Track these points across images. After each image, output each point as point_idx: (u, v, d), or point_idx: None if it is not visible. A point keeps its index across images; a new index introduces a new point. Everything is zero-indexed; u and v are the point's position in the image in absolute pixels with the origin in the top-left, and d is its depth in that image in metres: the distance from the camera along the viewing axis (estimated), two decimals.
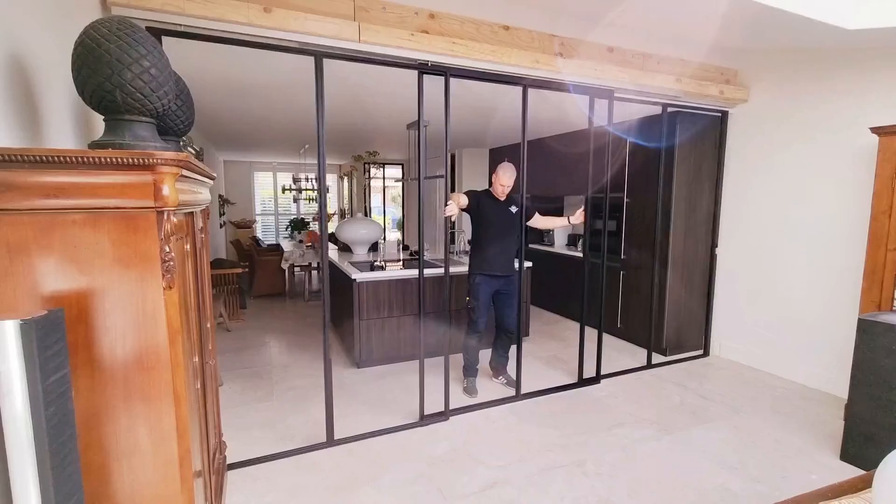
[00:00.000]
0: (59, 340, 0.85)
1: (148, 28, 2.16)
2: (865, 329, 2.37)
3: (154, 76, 1.11)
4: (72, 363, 0.96)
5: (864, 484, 1.13)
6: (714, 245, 4.05)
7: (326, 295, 2.60)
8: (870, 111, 3.02)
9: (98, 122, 1.57)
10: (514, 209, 3.30)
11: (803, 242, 3.48)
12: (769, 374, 3.72)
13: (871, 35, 2.61)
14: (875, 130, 2.70)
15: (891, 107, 2.92)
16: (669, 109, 3.72)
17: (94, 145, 1.10)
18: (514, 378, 3.31)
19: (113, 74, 1.05)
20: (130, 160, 0.96)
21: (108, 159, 0.95)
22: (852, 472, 2.37)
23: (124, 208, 0.99)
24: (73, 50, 1.07)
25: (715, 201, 4.03)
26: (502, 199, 3.27)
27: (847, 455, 2.48)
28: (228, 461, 2.39)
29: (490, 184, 3.28)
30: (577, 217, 3.37)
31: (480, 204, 3.25)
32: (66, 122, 1.52)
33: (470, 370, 3.39)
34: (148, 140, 1.16)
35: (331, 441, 2.66)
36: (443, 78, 2.68)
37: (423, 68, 2.62)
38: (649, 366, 3.87)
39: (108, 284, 1.00)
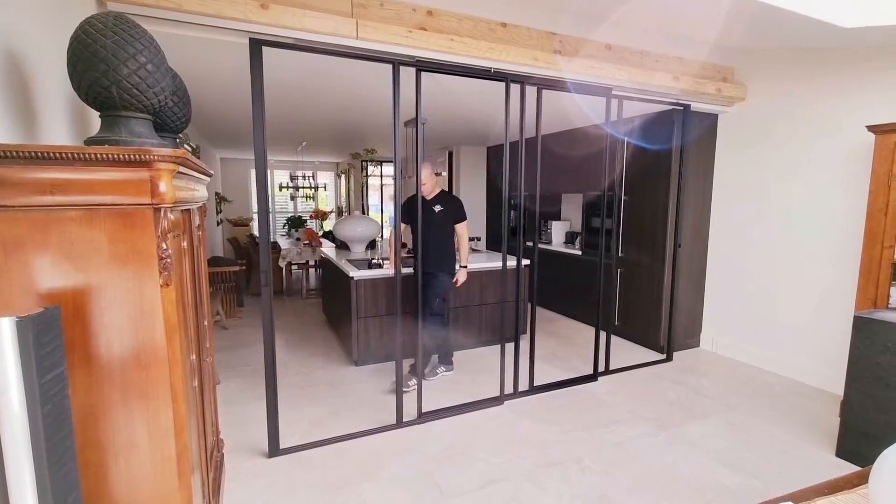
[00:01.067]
0: (55, 338, 0.85)
1: (251, 40, 2.26)
2: (861, 326, 2.39)
3: (150, 72, 1.10)
4: (69, 360, 0.96)
5: (860, 480, 1.13)
6: (677, 245, 3.95)
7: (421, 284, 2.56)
8: (866, 109, 3.03)
9: (94, 118, 1.57)
10: (438, 208, 3.38)
11: (799, 240, 3.50)
12: (766, 370, 3.74)
13: (866, 33, 2.62)
14: (871, 129, 2.71)
15: (887, 105, 2.93)
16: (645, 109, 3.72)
17: (91, 141, 1.10)
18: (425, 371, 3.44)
19: (109, 70, 1.04)
20: (127, 157, 0.95)
21: (105, 156, 0.94)
22: (848, 468, 2.39)
23: (121, 205, 0.98)
24: (68, 45, 1.06)
25: (678, 200, 3.91)
26: (428, 198, 3.38)
27: (843, 451, 2.50)
28: (226, 458, 2.39)
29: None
30: (459, 274, 3.50)
31: (407, 208, 3.31)
32: (61, 118, 1.51)
33: (441, 358, 3.68)
34: (144, 136, 1.15)
35: (399, 423, 2.82)
36: (515, 85, 2.87)
37: (420, 65, 2.61)
38: (646, 363, 3.89)
39: (105, 282, 1.00)
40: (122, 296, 1.01)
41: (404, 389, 3.20)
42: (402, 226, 3.41)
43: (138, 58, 1.07)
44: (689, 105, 3.65)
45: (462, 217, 3.49)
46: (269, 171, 11.32)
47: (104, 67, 1.04)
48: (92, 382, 1.01)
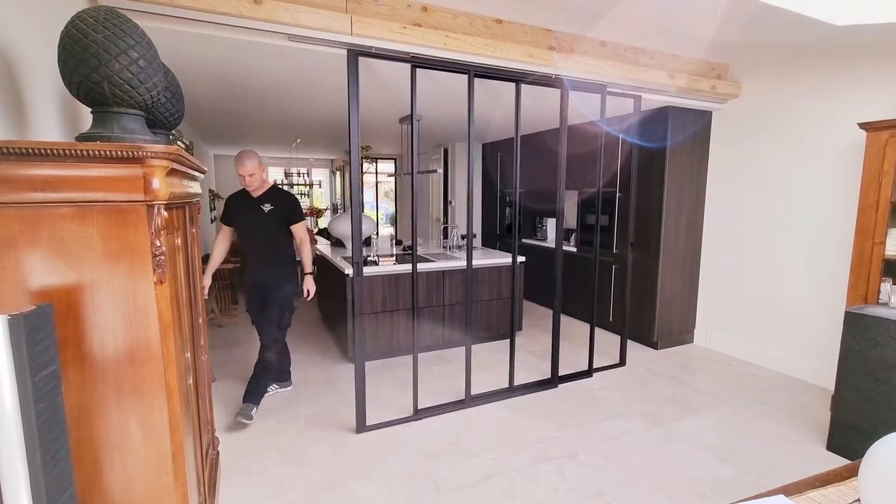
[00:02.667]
0: (48, 336, 0.84)
1: (349, 51, 2.40)
2: (852, 321, 2.41)
3: (142, 67, 1.09)
4: (62, 358, 0.95)
5: (850, 473, 1.15)
6: (630, 243, 3.88)
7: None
8: (858, 106, 3.06)
9: (86, 115, 1.55)
10: (267, 207, 2.88)
11: (792, 236, 3.53)
12: (758, 366, 3.77)
13: (858, 31, 2.64)
14: (862, 126, 2.73)
15: (878, 102, 2.95)
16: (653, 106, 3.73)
17: (82, 138, 1.09)
18: (252, 413, 2.80)
19: (100, 66, 1.03)
20: (119, 153, 0.95)
21: (97, 152, 0.93)
22: (838, 461, 2.42)
23: (113, 202, 0.98)
24: (59, 40, 1.05)
25: (629, 197, 3.83)
26: (255, 195, 2.90)
27: (833, 445, 2.53)
28: (221, 456, 2.38)
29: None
30: (306, 283, 2.97)
31: (231, 207, 2.93)
32: (52, 114, 1.49)
33: (277, 375, 3.15)
34: (137, 133, 1.14)
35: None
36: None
37: (415, 62, 2.61)
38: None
39: (98, 279, 0.99)
40: (115, 293, 1.01)
41: (245, 421, 2.74)
42: (226, 229, 2.97)
43: (130, 53, 1.06)
44: (641, 97, 3.53)
45: (297, 217, 2.97)
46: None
47: (95, 63, 1.03)
48: (85, 380, 1.01)
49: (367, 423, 2.77)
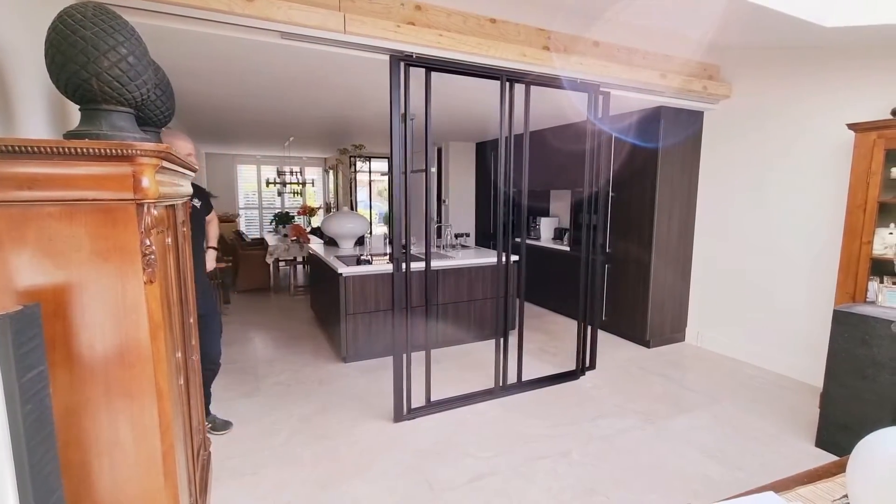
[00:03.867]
0: (35, 336, 0.83)
1: (392, 57, 2.43)
2: (840, 320, 2.44)
3: (132, 64, 1.08)
4: (50, 359, 0.94)
5: (838, 469, 1.16)
6: (604, 245, 3.84)
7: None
8: (847, 108, 3.09)
9: (74, 112, 1.53)
10: (197, 202, 2.56)
11: (781, 235, 3.56)
12: (749, 364, 3.81)
13: (846, 33, 2.67)
14: (851, 126, 2.76)
15: (867, 103, 2.99)
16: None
17: (70, 135, 1.07)
18: (223, 421, 2.74)
19: (89, 62, 1.02)
20: (108, 151, 0.93)
21: (85, 150, 0.92)
22: (827, 458, 2.45)
23: (102, 200, 0.96)
24: (46, 36, 1.03)
25: (599, 199, 3.85)
26: None
27: (822, 442, 2.56)
28: (213, 457, 2.36)
29: None
30: (210, 257, 2.78)
31: None
32: (39, 112, 1.47)
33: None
34: (126, 130, 1.13)
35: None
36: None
37: (409, 60, 2.60)
38: (632, 359, 3.93)
39: (86, 279, 0.98)
40: (104, 293, 0.99)
41: (225, 431, 2.66)
42: None
43: (119, 49, 1.05)
44: (609, 93, 3.45)
45: (211, 207, 2.79)
46: (256, 167, 11.12)
47: (84, 59, 1.01)
48: (74, 381, 0.99)
49: (358, 423, 2.76)
